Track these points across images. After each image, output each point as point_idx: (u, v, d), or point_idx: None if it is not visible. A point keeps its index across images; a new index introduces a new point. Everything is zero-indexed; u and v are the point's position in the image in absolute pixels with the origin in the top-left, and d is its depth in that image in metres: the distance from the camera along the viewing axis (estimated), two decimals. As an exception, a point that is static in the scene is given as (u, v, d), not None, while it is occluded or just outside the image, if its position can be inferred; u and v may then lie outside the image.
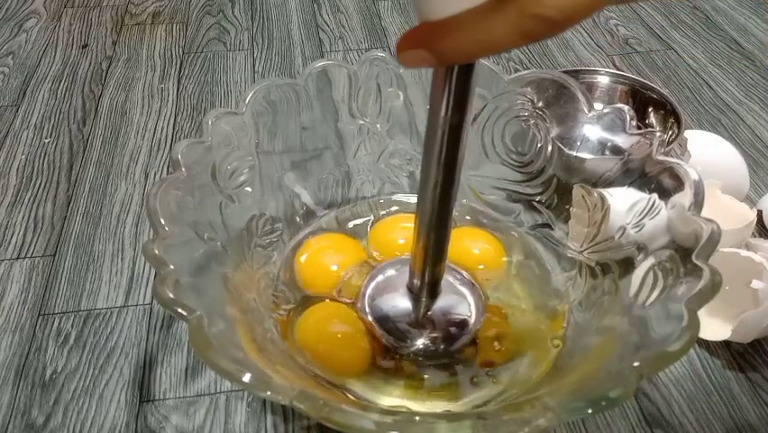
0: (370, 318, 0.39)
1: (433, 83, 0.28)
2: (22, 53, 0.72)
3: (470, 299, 0.40)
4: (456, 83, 0.27)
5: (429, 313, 0.39)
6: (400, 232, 0.44)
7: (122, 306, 0.45)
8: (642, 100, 0.59)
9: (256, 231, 0.41)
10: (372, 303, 0.40)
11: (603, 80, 0.60)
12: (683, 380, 0.40)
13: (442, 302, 0.39)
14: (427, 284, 0.38)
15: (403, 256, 0.42)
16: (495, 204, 0.47)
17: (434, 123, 0.29)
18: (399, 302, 0.39)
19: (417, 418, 0.31)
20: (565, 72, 0.53)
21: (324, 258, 0.43)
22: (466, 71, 0.27)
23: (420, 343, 0.38)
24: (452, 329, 0.39)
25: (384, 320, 0.39)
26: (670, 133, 0.55)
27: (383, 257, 0.43)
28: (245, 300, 0.37)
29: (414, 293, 0.39)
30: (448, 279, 0.40)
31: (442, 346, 0.38)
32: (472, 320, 0.39)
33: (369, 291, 0.40)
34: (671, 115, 0.56)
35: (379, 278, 0.41)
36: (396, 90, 0.45)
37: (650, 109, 0.58)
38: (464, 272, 0.42)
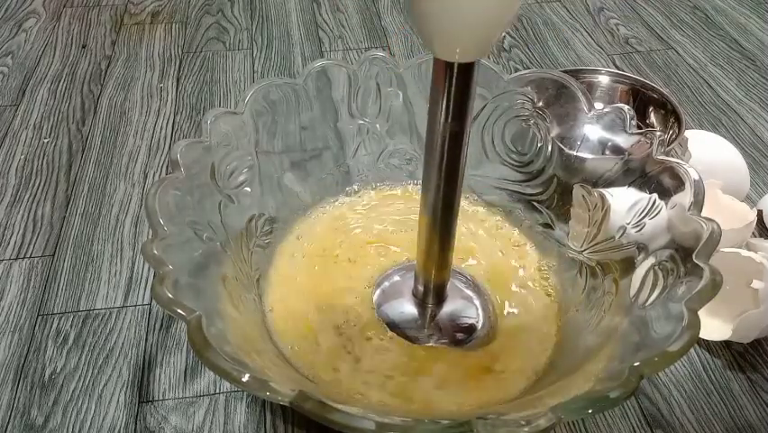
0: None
1: (432, 90, 0.28)
2: (21, 53, 0.72)
3: (477, 302, 0.40)
4: (455, 89, 0.27)
5: (436, 319, 0.39)
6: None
7: (121, 306, 0.45)
8: (642, 100, 0.59)
9: (255, 231, 0.41)
10: (380, 309, 0.40)
11: (603, 80, 0.60)
12: (684, 380, 0.40)
13: (448, 307, 0.39)
14: (433, 290, 0.37)
15: (409, 262, 0.42)
16: (495, 204, 0.47)
17: (434, 130, 0.29)
18: (406, 308, 0.39)
19: (417, 418, 0.31)
20: (566, 72, 0.53)
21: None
22: (465, 76, 0.27)
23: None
24: (460, 335, 0.38)
25: (392, 326, 0.39)
26: (670, 132, 0.55)
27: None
28: (244, 301, 0.37)
29: (419, 299, 0.38)
30: (454, 282, 0.40)
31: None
32: (480, 324, 0.39)
33: (375, 297, 0.40)
34: (671, 115, 0.56)
35: (386, 284, 0.41)
36: (395, 90, 0.45)
37: (650, 109, 0.58)
38: (470, 276, 0.41)
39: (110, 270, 0.47)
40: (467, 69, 0.27)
